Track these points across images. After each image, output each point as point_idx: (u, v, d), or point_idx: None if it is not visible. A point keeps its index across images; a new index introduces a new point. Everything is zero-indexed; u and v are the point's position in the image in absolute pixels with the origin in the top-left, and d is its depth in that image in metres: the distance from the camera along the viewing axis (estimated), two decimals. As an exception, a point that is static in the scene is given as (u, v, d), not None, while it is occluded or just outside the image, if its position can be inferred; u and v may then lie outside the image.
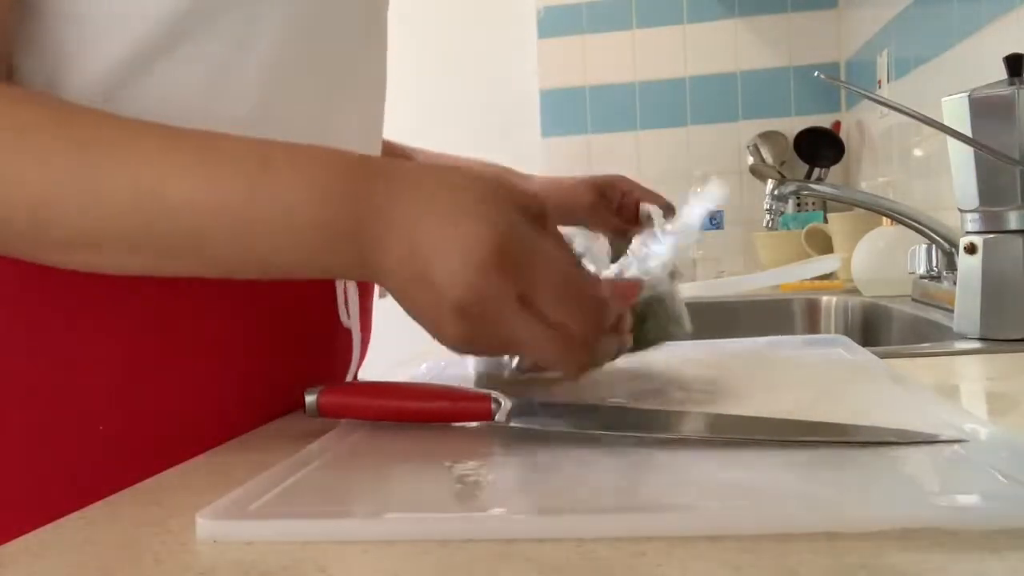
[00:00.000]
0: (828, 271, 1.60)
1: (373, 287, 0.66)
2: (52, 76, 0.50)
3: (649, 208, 0.82)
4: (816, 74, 1.01)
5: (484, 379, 0.62)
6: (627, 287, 0.55)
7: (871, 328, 1.30)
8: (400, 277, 0.44)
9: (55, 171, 0.43)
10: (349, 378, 0.63)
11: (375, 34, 0.64)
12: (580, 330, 0.45)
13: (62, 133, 0.43)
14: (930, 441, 0.39)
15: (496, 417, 0.46)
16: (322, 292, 0.60)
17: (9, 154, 0.43)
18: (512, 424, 0.46)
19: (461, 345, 0.45)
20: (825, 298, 1.47)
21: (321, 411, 0.50)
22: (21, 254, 0.47)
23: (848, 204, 1.58)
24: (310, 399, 0.50)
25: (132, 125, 0.45)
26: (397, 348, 0.90)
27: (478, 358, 0.63)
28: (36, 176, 0.42)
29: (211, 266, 0.47)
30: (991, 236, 0.80)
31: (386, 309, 0.69)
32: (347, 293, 0.62)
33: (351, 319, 0.62)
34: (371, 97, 0.64)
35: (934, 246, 1.09)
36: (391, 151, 0.87)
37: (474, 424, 0.49)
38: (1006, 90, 0.80)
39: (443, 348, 0.46)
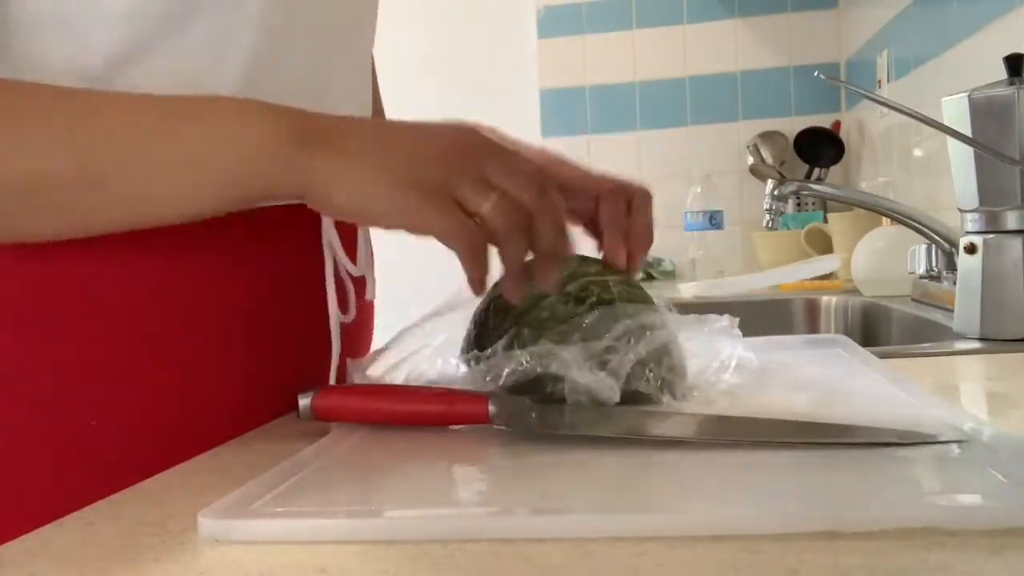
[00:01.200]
0: (828, 271, 1.60)
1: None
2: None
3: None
4: (816, 74, 1.01)
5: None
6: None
7: (871, 328, 1.30)
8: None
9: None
10: (332, 373, 0.61)
11: (362, 17, 0.63)
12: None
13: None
14: (930, 441, 0.39)
15: (494, 420, 0.46)
16: (326, 290, 0.60)
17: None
18: (510, 427, 0.46)
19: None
20: (825, 298, 1.47)
21: (315, 415, 0.49)
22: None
23: (848, 204, 1.58)
24: (303, 403, 0.48)
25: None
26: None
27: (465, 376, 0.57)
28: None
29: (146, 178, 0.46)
30: (991, 236, 0.80)
31: (387, 310, 0.69)
32: (346, 287, 0.61)
33: (335, 311, 0.61)
34: (358, 81, 0.64)
35: (934, 246, 1.09)
36: None
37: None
38: (1006, 90, 0.80)
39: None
